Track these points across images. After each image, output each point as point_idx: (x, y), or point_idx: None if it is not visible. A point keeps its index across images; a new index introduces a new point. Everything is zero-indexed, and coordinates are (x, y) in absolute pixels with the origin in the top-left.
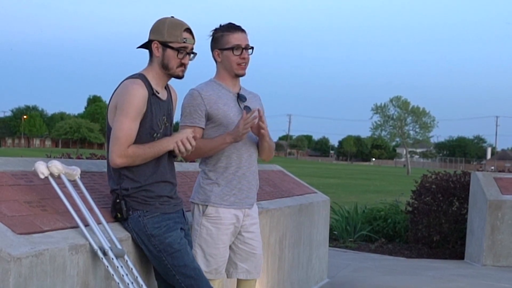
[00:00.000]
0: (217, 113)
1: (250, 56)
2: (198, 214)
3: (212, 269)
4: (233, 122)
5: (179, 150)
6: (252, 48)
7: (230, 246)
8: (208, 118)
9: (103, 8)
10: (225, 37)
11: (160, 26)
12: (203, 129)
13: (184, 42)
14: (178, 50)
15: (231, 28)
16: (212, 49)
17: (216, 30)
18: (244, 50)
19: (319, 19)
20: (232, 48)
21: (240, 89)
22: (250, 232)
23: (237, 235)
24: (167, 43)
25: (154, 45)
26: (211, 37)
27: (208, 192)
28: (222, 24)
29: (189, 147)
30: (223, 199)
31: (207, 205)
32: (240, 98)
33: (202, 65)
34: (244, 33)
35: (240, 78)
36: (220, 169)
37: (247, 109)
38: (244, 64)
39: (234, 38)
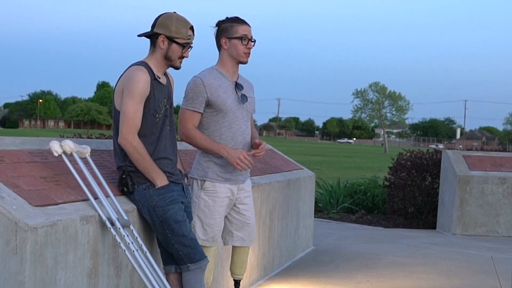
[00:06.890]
0: (216, 100)
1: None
2: (197, 188)
3: (209, 237)
4: (230, 108)
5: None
6: (255, 41)
7: (226, 217)
8: (208, 104)
9: None
10: (234, 27)
11: (168, 22)
12: (202, 113)
13: (188, 39)
14: (183, 45)
15: (239, 20)
16: (219, 37)
17: (223, 21)
18: (249, 41)
19: (307, 5)
20: (241, 38)
21: (238, 77)
22: (244, 204)
23: (232, 206)
24: (174, 38)
25: (160, 39)
26: (217, 27)
27: (206, 169)
28: (229, 17)
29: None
30: (219, 175)
31: (204, 180)
32: (238, 87)
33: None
34: (250, 27)
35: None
36: None
37: (243, 97)
38: (248, 53)
39: (243, 29)
